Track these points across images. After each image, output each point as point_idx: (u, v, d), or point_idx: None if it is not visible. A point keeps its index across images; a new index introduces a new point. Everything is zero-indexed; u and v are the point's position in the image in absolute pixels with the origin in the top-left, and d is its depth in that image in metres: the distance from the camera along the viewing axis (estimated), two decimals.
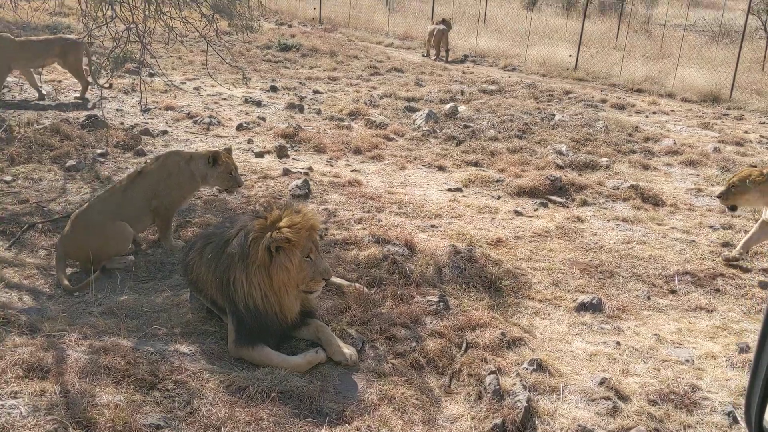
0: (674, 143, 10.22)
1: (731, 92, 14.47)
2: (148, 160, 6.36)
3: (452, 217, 6.86)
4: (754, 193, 5.97)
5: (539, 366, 4.20)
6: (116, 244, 5.29)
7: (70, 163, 7.42)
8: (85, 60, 10.26)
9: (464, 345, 4.40)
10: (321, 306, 4.68)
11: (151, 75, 11.73)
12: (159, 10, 7.08)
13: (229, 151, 5.81)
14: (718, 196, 6.22)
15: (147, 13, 7.10)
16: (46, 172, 7.22)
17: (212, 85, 12.42)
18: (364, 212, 6.67)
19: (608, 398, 3.91)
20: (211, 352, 4.15)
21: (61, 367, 3.58)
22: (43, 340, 3.95)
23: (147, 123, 9.51)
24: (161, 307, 4.74)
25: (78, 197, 6.69)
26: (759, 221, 6.21)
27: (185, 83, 12.39)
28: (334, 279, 5.03)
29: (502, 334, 4.51)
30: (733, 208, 6.29)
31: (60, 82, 11.62)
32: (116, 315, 4.52)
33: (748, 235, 6.23)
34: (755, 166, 6.55)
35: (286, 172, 7.67)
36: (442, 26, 17.97)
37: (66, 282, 5.01)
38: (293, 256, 4.00)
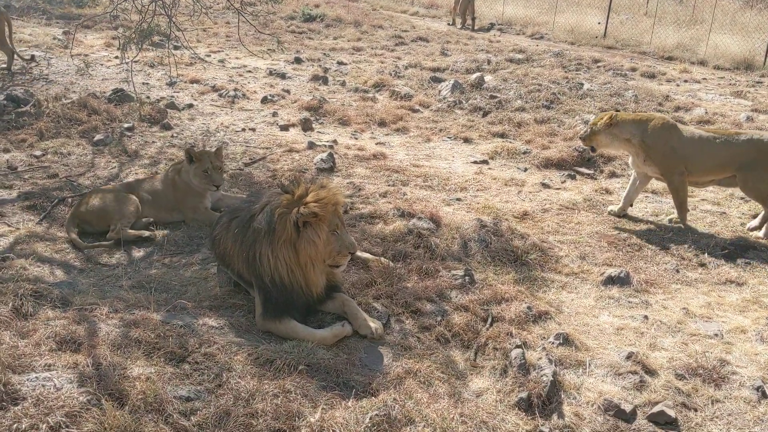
0: (706, 112, 10.00)
1: (765, 59, 14.07)
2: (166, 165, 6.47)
3: (478, 190, 6.81)
4: (605, 135, 6.25)
5: (565, 340, 4.19)
6: (120, 209, 5.43)
7: (98, 137, 7.49)
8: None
9: (490, 319, 4.40)
10: (347, 280, 4.70)
11: (176, 48, 11.74)
12: None
13: (218, 151, 5.78)
14: (580, 138, 6.53)
15: None
16: (75, 146, 7.31)
17: (237, 58, 12.42)
18: (389, 186, 6.65)
19: (635, 372, 3.89)
20: (239, 325, 4.20)
21: (93, 340, 3.65)
22: (75, 314, 4.03)
23: (173, 96, 9.55)
24: (190, 280, 4.80)
25: (106, 171, 6.76)
26: (633, 174, 6.49)
27: (210, 56, 12.39)
28: (360, 253, 5.05)
29: (528, 308, 4.50)
30: (593, 149, 6.54)
31: (87, 55, 11.67)
32: (146, 289, 4.60)
33: (627, 188, 6.49)
34: (615, 110, 6.70)
35: (311, 146, 7.67)
36: None
37: (74, 236, 5.28)
38: (320, 230, 4.02)
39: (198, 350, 3.70)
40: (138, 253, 5.24)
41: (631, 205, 6.51)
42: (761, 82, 12.81)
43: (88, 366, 3.37)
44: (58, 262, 5.03)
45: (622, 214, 6.41)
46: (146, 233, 5.39)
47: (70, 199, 5.98)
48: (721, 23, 16.49)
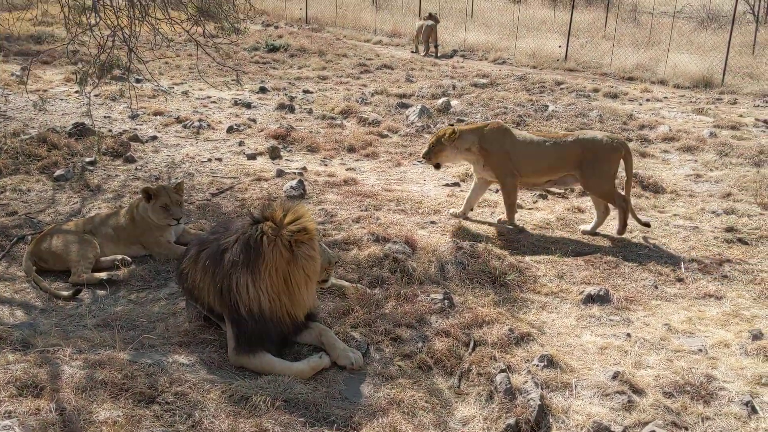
0: (670, 129, 10.13)
1: (723, 77, 14.40)
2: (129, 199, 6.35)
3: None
4: (451, 150, 6.33)
5: (550, 362, 4.08)
6: (80, 251, 5.23)
7: (59, 172, 7.26)
8: None
9: (472, 343, 4.28)
10: (323, 309, 4.55)
11: (138, 81, 11.55)
12: (144, 12, 6.91)
13: (179, 186, 5.65)
14: (423, 157, 6.52)
15: (132, 15, 6.93)
16: (35, 182, 7.06)
17: (200, 89, 12.27)
18: (361, 211, 6.54)
19: (622, 392, 3.79)
20: (211, 361, 4.01)
21: (56, 384, 3.44)
22: (37, 356, 3.81)
23: (136, 129, 9.35)
24: (157, 316, 4.60)
25: (68, 207, 6.53)
26: (474, 180, 6.68)
27: (173, 87, 12.23)
28: (335, 280, 4.91)
29: (510, 330, 4.39)
30: (437, 166, 6.58)
31: (46, 91, 11.42)
32: (111, 327, 4.38)
33: (468, 193, 6.68)
34: (452, 125, 6.72)
35: (280, 173, 7.53)
36: (429, 21, 17.85)
37: (36, 275, 5.09)
38: (314, 245, 3.98)
39: (168, 389, 3.50)
40: (102, 290, 5.02)
41: (472, 209, 6.70)
42: (721, 99, 13.07)
43: (51, 411, 3.16)
44: (18, 302, 4.79)
45: (463, 217, 6.60)
46: (108, 276, 5.16)
47: (29, 237, 5.74)
48: (678, 44, 16.87)
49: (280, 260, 3.87)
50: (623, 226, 6.32)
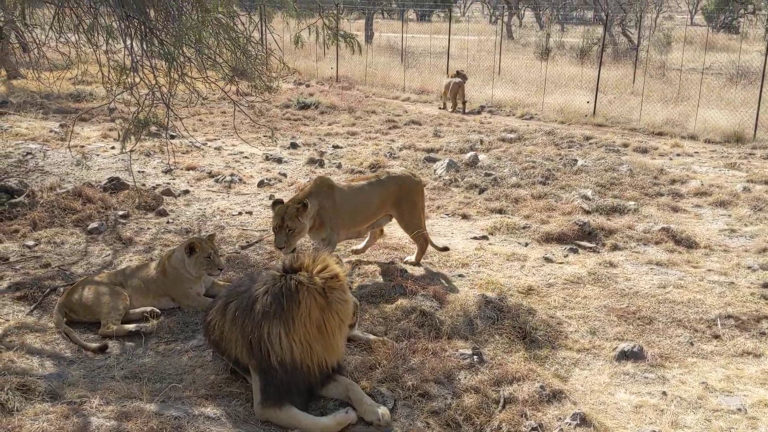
0: (702, 184, 10.02)
1: (755, 132, 14.27)
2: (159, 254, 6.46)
3: (480, 265, 6.68)
4: (307, 223, 5.82)
5: (583, 420, 3.97)
6: (111, 303, 5.27)
7: (92, 225, 7.39)
8: None
9: (502, 400, 4.18)
10: (349, 363, 4.50)
11: (173, 137, 11.83)
12: (181, 71, 7.14)
13: (211, 237, 5.80)
14: (280, 247, 5.72)
15: (170, 75, 7.16)
16: (68, 235, 7.20)
17: (233, 145, 12.51)
18: (389, 264, 6.52)
19: None
20: (237, 414, 3.97)
21: None
22: (65, 407, 3.81)
23: (169, 183, 9.53)
24: (185, 368, 4.59)
25: (100, 259, 6.63)
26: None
27: (206, 144, 12.49)
28: (361, 334, 4.88)
29: (541, 387, 4.29)
30: (294, 251, 5.66)
31: (83, 147, 11.75)
32: (139, 378, 4.38)
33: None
34: (281, 201, 5.97)
35: None
36: (457, 79, 18.09)
37: (66, 327, 5.12)
38: (345, 289, 4.08)
39: None
40: (131, 341, 5.04)
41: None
42: (753, 154, 12.93)
43: None
44: (48, 353, 4.82)
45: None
46: (137, 327, 5.18)
47: (62, 289, 5.81)
48: (707, 99, 16.82)
49: (315, 308, 3.92)
50: (420, 254, 6.61)
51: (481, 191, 9.46)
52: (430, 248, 6.73)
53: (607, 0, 33.88)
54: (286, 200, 5.96)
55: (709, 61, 22.67)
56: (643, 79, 18.82)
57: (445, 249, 6.81)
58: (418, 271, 6.38)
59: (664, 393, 4.45)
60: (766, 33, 20.13)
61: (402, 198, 6.44)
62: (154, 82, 7.02)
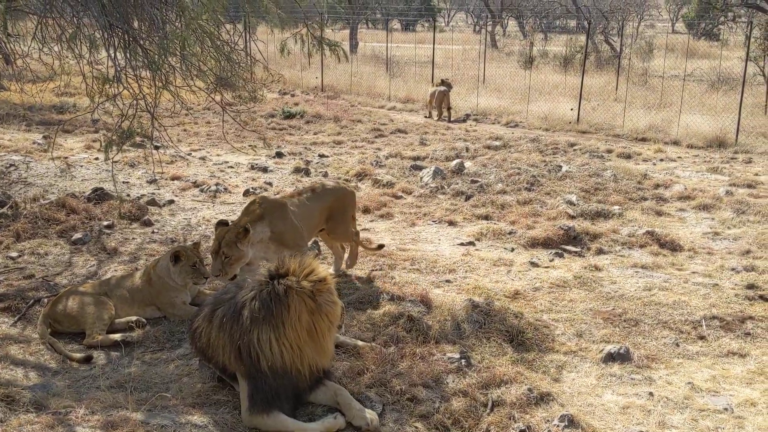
0: (685, 188, 10.11)
1: (737, 136, 14.43)
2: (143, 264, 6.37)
3: (467, 271, 6.69)
4: (249, 248, 5.31)
5: (571, 422, 3.98)
6: (96, 313, 5.22)
7: (77, 236, 7.34)
8: None
9: (490, 403, 4.18)
10: (337, 368, 4.49)
11: (157, 147, 11.78)
12: (166, 80, 7.11)
13: (196, 245, 5.73)
14: (216, 275, 5.28)
15: (155, 84, 7.13)
16: (52, 246, 7.14)
17: (218, 155, 12.48)
18: (376, 270, 6.52)
19: None
20: (224, 422, 3.95)
21: None
22: (50, 418, 3.78)
23: (153, 194, 9.48)
24: (171, 377, 4.56)
25: (84, 270, 6.58)
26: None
27: (191, 154, 12.45)
28: (349, 339, 4.88)
29: (529, 389, 4.30)
30: (234, 277, 5.28)
31: (67, 158, 11.67)
32: (124, 388, 4.35)
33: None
34: (225, 222, 5.54)
35: None
36: (442, 87, 18.16)
37: (51, 338, 5.07)
38: (333, 292, 4.08)
39: None
40: (116, 351, 5.00)
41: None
42: (735, 158, 13.07)
43: None
44: (32, 364, 4.77)
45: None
46: (123, 337, 5.13)
47: (46, 300, 5.76)
48: (689, 105, 16.99)
49: (304, 311, 3.92)
50: (355, 258, 6.56)
51: (468, 198, 9.50)
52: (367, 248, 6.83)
53: (590, 9, 34.24)
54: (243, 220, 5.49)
55: (691, 68, 22.92)
56: (626, 86, 18.98)
57: (381, 246, 6.81)
58: (405, 277, 6.38)
59: (651, 394, 4.47)
60: (746, 40, 20.40)
61: (337, 210, 6.24)
62: (138, 91, 6.99)
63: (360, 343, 4.85)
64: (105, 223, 7.87)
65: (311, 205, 6.04)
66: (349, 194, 6.49)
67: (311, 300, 3.94)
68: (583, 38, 24.55)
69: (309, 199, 6.06)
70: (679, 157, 13.22)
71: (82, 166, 11.06)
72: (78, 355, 4.87)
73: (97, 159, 11.53)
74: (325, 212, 6.18)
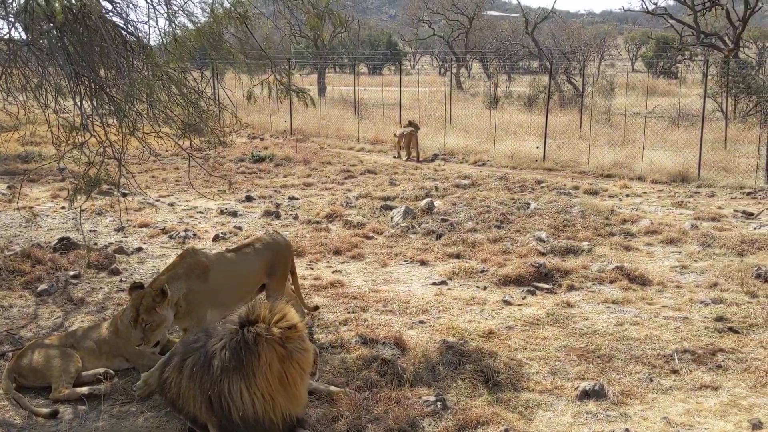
0: (651, 223, 10.28)
1: (699, 171, 14.78)
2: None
3: (440, 311, 6.68)
4: (167, 312, 4.85)
5: None
6: (62, 366, 5.09)
7: (42, 287, 7.18)
8: None
9: None
10: (311, 416, 4.42)
11: (125, 194, 11.66)
12: (133, 127, 7.07)
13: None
14: (138, 345, 4.84)
15: (122, 131, 7.09)
16: (17, 298, 6.97)
17: (186, 200, 12.39)
18: (348, 313, 6.48)
19: None
20: None
21: None
22: None
23: (121, 241, 9.35)
24: (140, 430, 4.44)
25: (50, 322, 6.42)
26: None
27: (159, 200, 12.34)
28: (322, 386, 4.80)
29: (506, 430, 4.28)
30: (158, 344, 5.13)
31: (32, 207, 11.49)
32: None
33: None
34: (141, 285, 4.96)
35: None
36: (410, 128, 18.38)
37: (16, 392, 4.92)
38: (304, 338, 4.03)
39: None
40: (83, 405, 4.85)
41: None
42: (699, 192, 13.36)
43: None
44: None
45: None
46: (90, 390, 4.99)
47: (10, 354, 5.59)
48: (652, 141, 17.40)
49: (275, 359, 3.86)
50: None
51: (438, 237, 9.53)
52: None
53: (551, 50, 35.11)
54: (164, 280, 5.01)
55: (652, 105, 23.53)
56: (590, 124, 19.40)
57: (316, 308, 6.37)
58: (378, 318, 6.34)
59: (627, 430, 4.47)
60: (704, 78, 21.06)
61: (276, 264, 5.79)
62: (105, 138, 6.94)
63: (333, 389, 4.78)
64: (71, 273, 7.72)
65: (247, 262, 5.60)
66: (287, 248, 6.02)
67: (281, 347, 3.88)
68: (546, 78, 25.15)
69: (246, 255, 5.63)
70: (644, 192, 13.47)
71: (48, 216, 10.89)
72: (44, 411, 4.72)
73: (63, 208, 11.36)
74: (264, 269, 5.69)
